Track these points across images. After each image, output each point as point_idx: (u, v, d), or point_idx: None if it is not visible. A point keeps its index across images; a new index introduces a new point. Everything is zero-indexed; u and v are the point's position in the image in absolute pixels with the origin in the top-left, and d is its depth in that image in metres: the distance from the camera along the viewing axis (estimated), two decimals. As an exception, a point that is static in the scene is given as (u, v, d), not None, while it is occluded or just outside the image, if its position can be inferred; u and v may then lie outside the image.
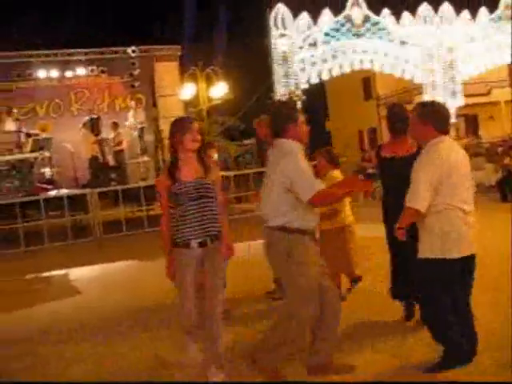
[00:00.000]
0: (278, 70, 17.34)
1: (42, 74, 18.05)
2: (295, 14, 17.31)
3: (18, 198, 13.10)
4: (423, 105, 4.34)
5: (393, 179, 4.75)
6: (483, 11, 19.04)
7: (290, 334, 4.03)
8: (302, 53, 17.36)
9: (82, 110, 18.56)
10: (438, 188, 3.97)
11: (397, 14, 18.36)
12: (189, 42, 25.30)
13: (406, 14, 18.43)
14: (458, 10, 18.80)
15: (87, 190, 13.34)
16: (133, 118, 17.02)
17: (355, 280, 6.21)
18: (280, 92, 17.16)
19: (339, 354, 4.43)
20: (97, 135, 16.01)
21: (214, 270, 4.08)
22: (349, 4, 17.71)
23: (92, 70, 18.81)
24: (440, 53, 18.60)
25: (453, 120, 18.23)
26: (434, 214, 4.01)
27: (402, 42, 18.18)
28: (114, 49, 19.54)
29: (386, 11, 18.19)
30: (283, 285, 4.20)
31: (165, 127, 16.58)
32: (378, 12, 18.10)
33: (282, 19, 17.14)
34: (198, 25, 31.60)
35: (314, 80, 17.64)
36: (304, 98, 17.32)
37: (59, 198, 13.32)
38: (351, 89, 31.83)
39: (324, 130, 35.69)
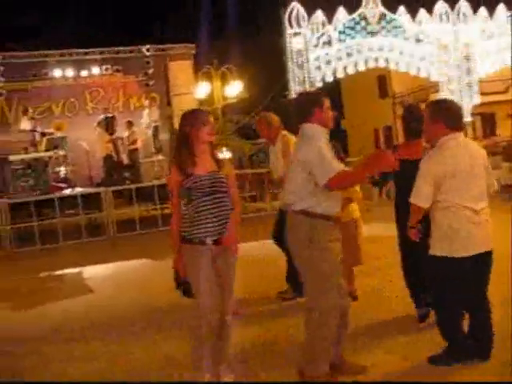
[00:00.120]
0: (292, 69, 17.26)
1: (57, 73, 18.15)
2: (310, 13, 17.23)
3: (33, 196, 13.18)
4: (434, 103, 4.37)
5: (406, 181, 4.72)
6: (501, 8, 18.80)
7: (317, 330, 3.89)
8: (317, 51, 17.27)
9: (96, 108, 18.60)
10: (442, 185, 3.98)
11: (413, 12, 18.21)
12: (203, 41, 25.30)
13: (422, 12, 18.27)
14: (474, 8, 18.60)
15: (101, 189, 13.38)
16: (147, 117, 17.05)
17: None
18: (295, 90, 17.08)
19: (351, 353, 4.37)
20: (111, 134, 16.08)
21: (227, 268, 4.00)
22: (364, 2, 17.59)
23: (107, 69, 18.88)
24: (456, 50, 18.41)
25: (468, 119, 18.09)
26: (442, 210, 4.04)
27: (418, 40, 18.02)
28: (129, 48, 19.56)
29: (401, 9, 18.05)
30: (301, 274, 4.02)
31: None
32: (393, 10, 17.95)
33: (297, 17, 17.07)
34: (212, 23, 31.60)
35: (329, 78, 17.54)
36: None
37: (74, 197, 13.39)
38: (366, 87, 31.65)
39: (339, 128, 35.51)
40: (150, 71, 19.07)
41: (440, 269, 4.08)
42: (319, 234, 3.89)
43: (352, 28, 17.44)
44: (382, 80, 31.32)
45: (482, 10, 18.72)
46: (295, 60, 17.16)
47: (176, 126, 18.52)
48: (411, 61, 18.13)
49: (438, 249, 4.09)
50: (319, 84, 17.40)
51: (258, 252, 8.19)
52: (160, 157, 16.23)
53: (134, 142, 16.04)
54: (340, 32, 17.35)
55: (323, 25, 17.32)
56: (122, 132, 16.36)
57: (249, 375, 4.28)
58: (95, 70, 18.70)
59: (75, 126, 17.35)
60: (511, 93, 26.89)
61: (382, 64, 18.11)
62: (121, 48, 19.49)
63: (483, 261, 4.09)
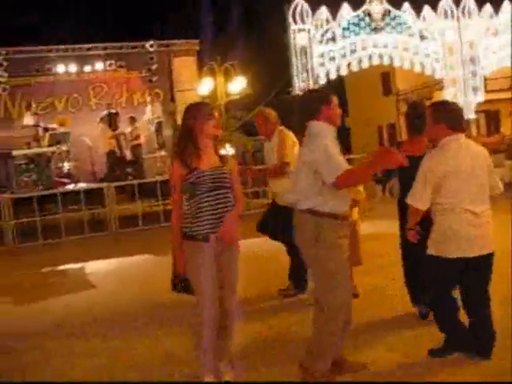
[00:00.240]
0: (296, 65, 17.22)
1: (60, 68, 18.17)
2: (314, 9, 17.18)
3: (35, 191, 13.20)
4: (435, 104, 4.43)
5: (410, 178, 4.71)
6: (506, 5, 18.70)
7: (325, 325, 3.89)
8: (321, 47, 17.22)
9: (100, 104, 18.60)
10: (442, 187, 4.01)
11: (417, 9, 18.13)
12: (207, 37, 25.22)
13: (426, 8, 18.19)
14: (479, 4, 18.51)
15: (104, 184, 13.37)
16: (150, 113, 17.05)
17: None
18: (298, 87, 17.04)
19: (352, 350, 4.37)
20: (114, 130, 16.07)
21: (230, 265, 3.94)
22: (368, -2, 17.52)
23: (110, 65, 18.89)
24: (461, 47, 18.32)
25: (472, 116, 18.03)
26: (442, 213, 4.07)
27: (422, 37, 17.95)
28: (133, 43, 19.56)
29: (406, 5, 17.97)
30: (310, 271, 4.03)
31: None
32: (397, 6, 17.88)
33: (301, 13, 17.01)
34: (215, 19, 31.56)
35: (333, 75, 17.48)
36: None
37: (76, 192, 13.41)
38: (370, 84, 31.58)
39: (344, 126, 35.42)
40: (154, 67, 19.04)
41: (437, 269, 4.13)
42: (325, 232, 3.86)
43: (356, 24, 17.37)
44: (385, 77, 31.23)
45: (488, 7, 18.63)
46: (299, 56, 17.12)
47: (179, 122, 18.53)
48: (416, 58, 18.06)
49: (432, 248, 4.14)
50: (323, 81, 17.36)
51: (260, 248, 8.18)
52: (163, 153, 16.24)
53: (137, 137, 16.03)
54: (344, 28, 17.28)
55: (327, 21, 17.25)
56: (125, 128, 16.36)
57: (250, 371, 4.27)
58: (99, 66, 18.71)
59: (78, 121, 17.38)
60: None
61: (386, 61, 18.05)
62: (124, 44, 19.48)
63: (484, 263, 4.11)
